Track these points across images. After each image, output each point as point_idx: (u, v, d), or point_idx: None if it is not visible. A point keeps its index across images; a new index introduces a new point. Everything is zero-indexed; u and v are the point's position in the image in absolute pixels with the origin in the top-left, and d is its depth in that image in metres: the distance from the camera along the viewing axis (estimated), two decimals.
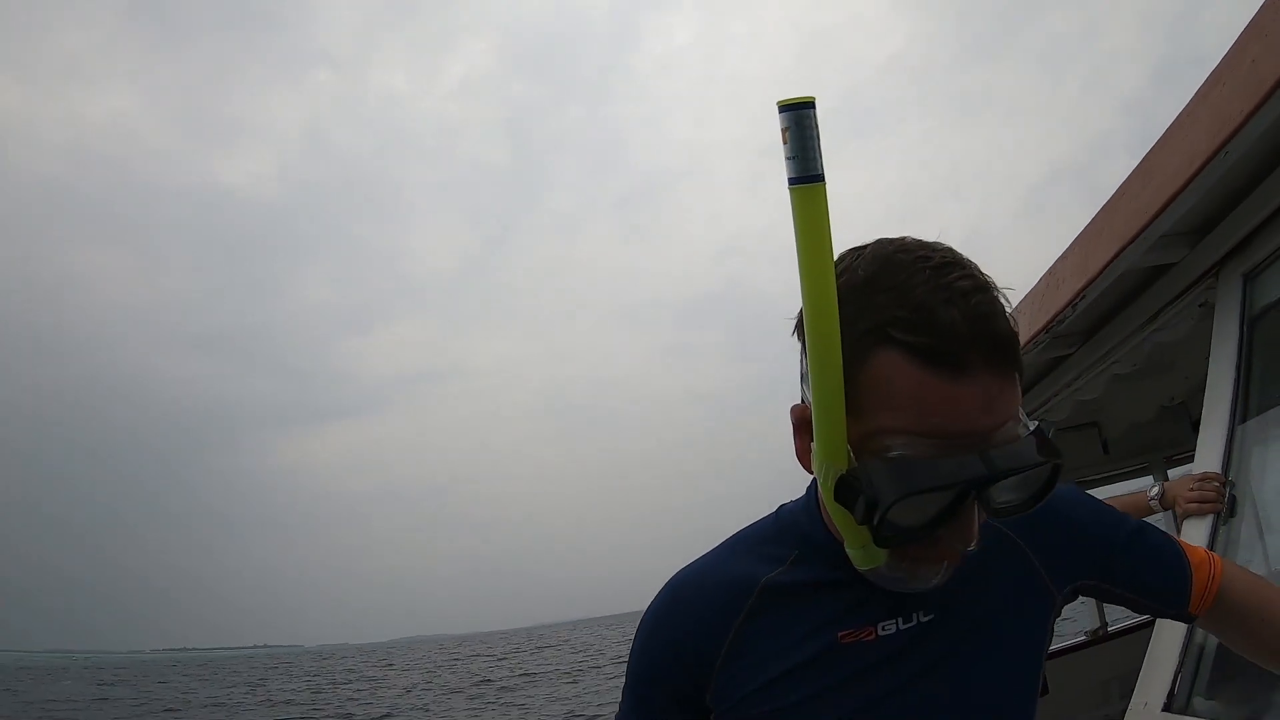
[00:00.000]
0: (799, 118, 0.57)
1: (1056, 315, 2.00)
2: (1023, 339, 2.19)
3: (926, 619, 0.73)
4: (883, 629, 0.72)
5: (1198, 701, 1.37)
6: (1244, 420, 1.54)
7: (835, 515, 0.65)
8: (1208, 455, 1.56)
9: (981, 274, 0.63)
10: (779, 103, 0.57)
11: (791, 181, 0.58)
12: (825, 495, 0.64)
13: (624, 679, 0.82)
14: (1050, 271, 2.11)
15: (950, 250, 0.64)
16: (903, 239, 0.66)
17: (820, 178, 0.57)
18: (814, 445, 0.64)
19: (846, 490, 0.61)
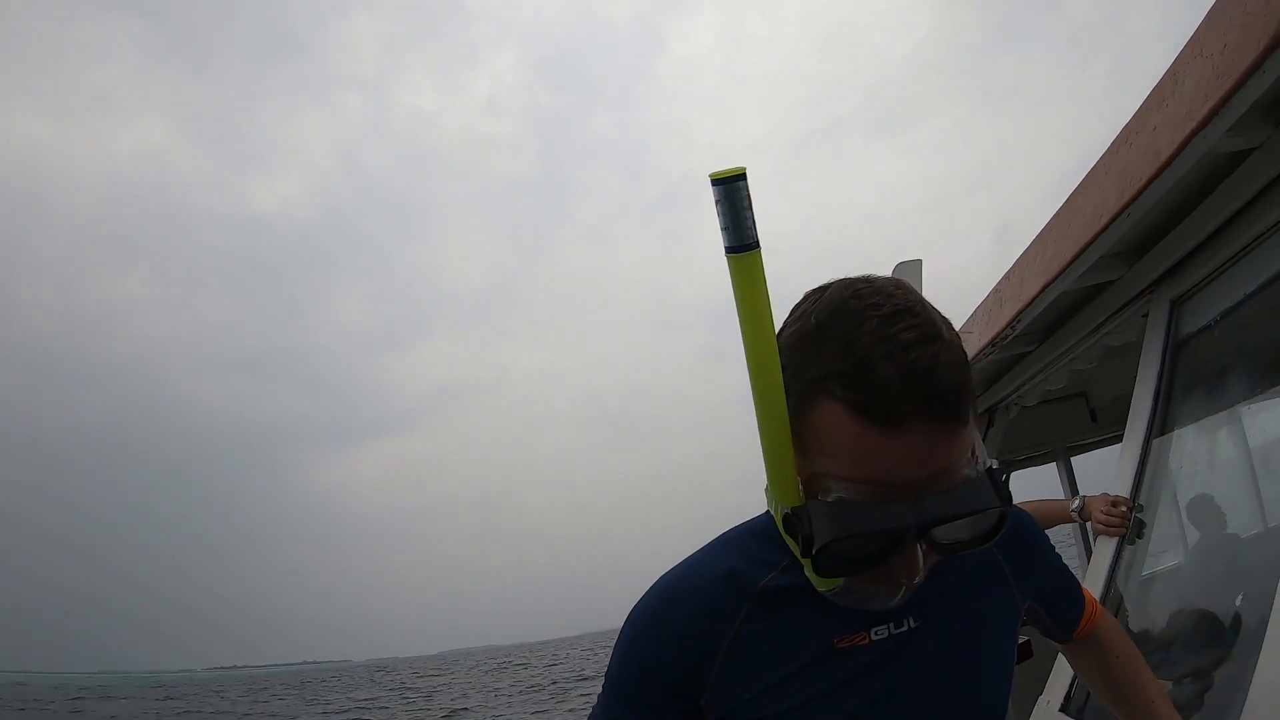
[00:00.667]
0: (729, 191, 0.58)
1: (999, 333, 2.18)
2: (974, 350, 2.34)
3: (916, 625, 0.75)
4: (875, 634, 0.74)
5: (1090, 708, 1.55)
6: (1161, 435, 1.70)
7: (789, 543, 0.68)
8: (1124, 470, 1.72)
9: (934, 321, 0.63)
10: (710, 176, 0.59)
11: (727, 250, 0.61)
12: (779, 526, 0.69)
13: (604, 683, 0.80)
14: (995, 289, 2.27)
15: (906, 295, 0.64)
16: (862, 279, 0.67)
17: (753, 245, 0.60)
18: (767, 481, 0.69)
19: (790, 526, 0.65)
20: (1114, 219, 1.52)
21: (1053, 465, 3.97)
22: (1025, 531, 0.83)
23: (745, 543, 0.79)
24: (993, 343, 2.25)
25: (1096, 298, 2.03)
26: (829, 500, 0.63)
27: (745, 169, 0.58)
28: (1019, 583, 0.83)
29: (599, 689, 0.81)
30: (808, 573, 0.69)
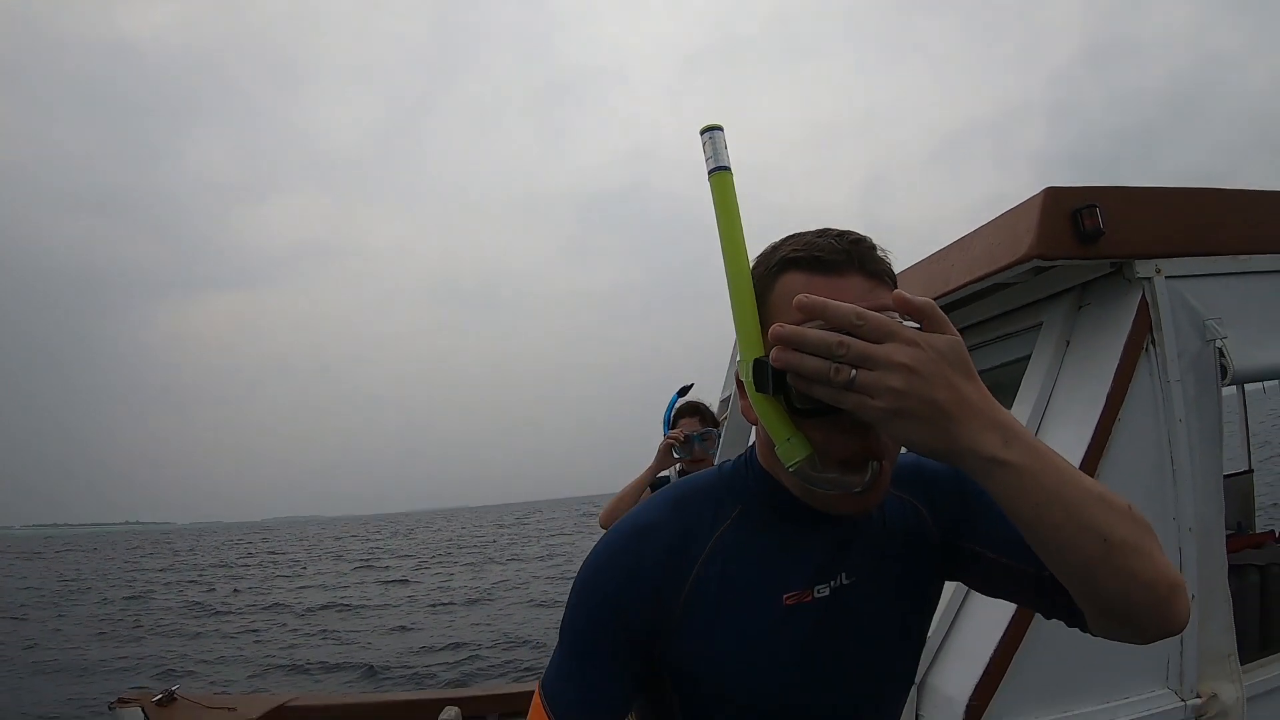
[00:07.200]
0: (714, 135, 0.75)
1: None
2: None
3: (848, 582, 0.79)
4: (818, 592, 0.78)
5: None
6: None
7: (759, 406, 0.70)
8: None
9: (868, 236, 0.74)
10: (700, 128, 0.76)
11: (710, 172, 0.75)
12: (748, 388, 0.71)
13: (560, 634, 0.79)
14: None
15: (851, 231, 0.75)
16: None
17: (728, 168, 0.75)
18: (738, 354, 0.74)
19: (761, 370, 0.69)
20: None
21: None
22: (933, 467, 0.87)
23: (695, 494, 0.82)
24: None
25: None
26: None
27: (723, 125, 0.77)
28: (937, 520, 0.85)
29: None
30: (779, 447, 0.69)
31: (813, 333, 0.62)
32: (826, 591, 0.78)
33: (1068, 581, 0.64)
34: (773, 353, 0.64)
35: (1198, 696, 1.64)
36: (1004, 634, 1.60)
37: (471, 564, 25.88)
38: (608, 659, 0.76)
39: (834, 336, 0.61)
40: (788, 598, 0.77)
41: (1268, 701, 1.74)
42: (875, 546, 0.81)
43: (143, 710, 3.53)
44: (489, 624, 12.87)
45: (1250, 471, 4.23)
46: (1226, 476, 4.13)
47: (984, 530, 0.81)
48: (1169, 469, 1.68)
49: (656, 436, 2.88)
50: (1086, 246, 1.65)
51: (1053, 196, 1.65)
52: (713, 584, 0.76)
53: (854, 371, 0.60)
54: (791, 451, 0.69)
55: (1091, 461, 1.69)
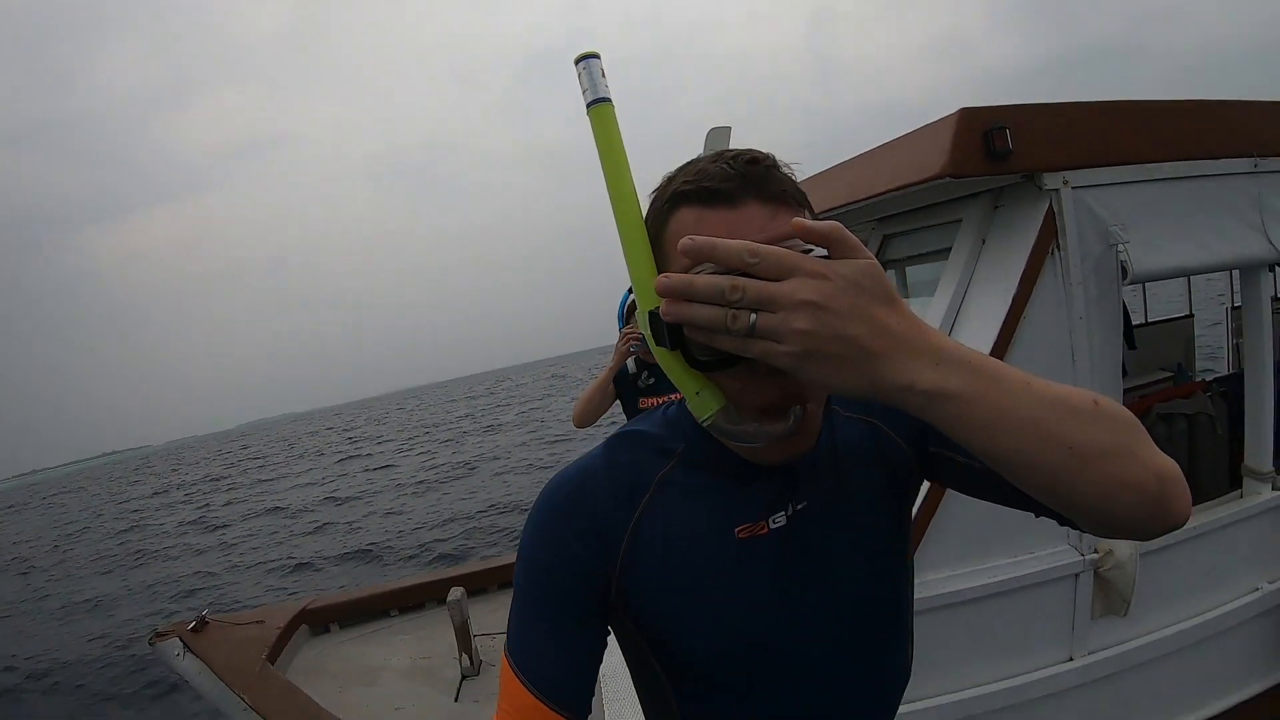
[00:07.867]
0: (588, 65, 0.68)
1: None
2: None
3: (801, 506, 0.75)
4: (774, 522, 0.74)
5: None
6: None
7: (663, 361, 0.66)
8: None
9: (769, 154, 0.68)
10: (574, 57, 0.69)
11: (589, 105, 0.68)
12: (649, 342, 0.66)
13: (515, 590, 0.76)
14: None
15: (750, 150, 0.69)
16: None
17: (607, 100, 0.69)
18: (635, 306, 0.82)
19: (657, 324, 0.63)
20: (851, 201, 2.35)
21: None
22: None
23: (640, 436, 0.80)
24: None
25: (845, 218, 2.88)
26: None
27: (599, 52, 0.71)
28: (897, 429, 0.82)
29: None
30: (690, 403, 0.66)
31: (701, 279, 0.55)
32: (783, 520, 0.74)
33: (1044, 498, 0.57)
34: (662, 306, 0.57)
35: (1095, 552, 1.92)
36: (922, 502, 1.84)
37: (449, 440, 26.80)
38: (567, 614, 0.73)
39: (726, 280, 0.54)
40: (740, 530, 0.73)
41: (1159, 556, 2.04)
42: (831, 468, 0.78)
43: (180, 640, 3.79)
44: (476, 495, 13.64)
45: (1190, 316, 4.56)
46: (1168, 320, 4.48)
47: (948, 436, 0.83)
48: (1070, 362, 1.84)
49: (612, 294, 3.04)
50: (996, 164, 1.72)
51: (966, 118, 1.71)
52: (658, 525, 0.74)
53: (753, 316, 0.53)
54: (703, 406, 0.65)
55: (998, 356, 1.84)
